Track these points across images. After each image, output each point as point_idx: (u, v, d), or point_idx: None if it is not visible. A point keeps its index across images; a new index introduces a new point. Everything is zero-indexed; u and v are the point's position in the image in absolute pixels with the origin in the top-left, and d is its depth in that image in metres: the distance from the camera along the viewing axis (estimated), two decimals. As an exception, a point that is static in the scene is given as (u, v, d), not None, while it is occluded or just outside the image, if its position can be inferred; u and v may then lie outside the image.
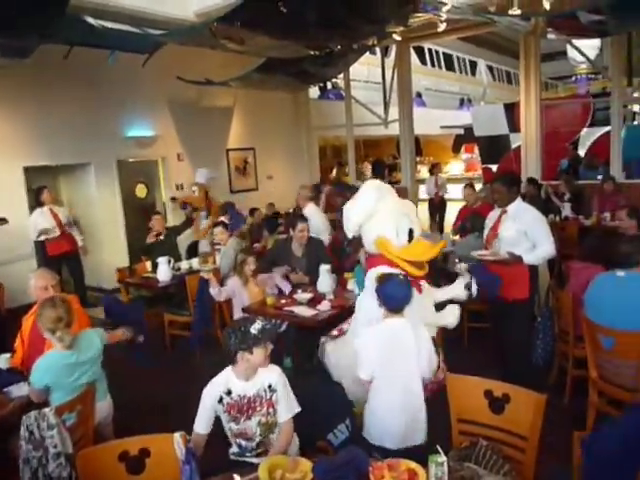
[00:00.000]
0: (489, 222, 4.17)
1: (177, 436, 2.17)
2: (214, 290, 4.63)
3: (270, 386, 2.47)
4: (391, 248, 3.11)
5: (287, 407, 2.49)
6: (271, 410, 2.48)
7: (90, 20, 5.43)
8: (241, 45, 6.02)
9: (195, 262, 6.15)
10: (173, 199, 8.95)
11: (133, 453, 2.23)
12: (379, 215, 3.18)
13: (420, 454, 2.22)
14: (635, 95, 9.79)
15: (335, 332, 3.54)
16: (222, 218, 7.01)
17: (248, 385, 2.47)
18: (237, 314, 4.68)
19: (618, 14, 6.12)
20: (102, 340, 3.22)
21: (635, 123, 13.89)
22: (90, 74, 7.47)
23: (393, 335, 2.66)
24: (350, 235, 3.40)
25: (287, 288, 4.81)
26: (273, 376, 2.50)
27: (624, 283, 3.27)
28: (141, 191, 8.82)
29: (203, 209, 8.32)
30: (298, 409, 2.50)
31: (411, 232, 3.18)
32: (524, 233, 3.82)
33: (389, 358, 2.62)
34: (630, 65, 11.05)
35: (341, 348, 3.31)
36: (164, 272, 5.70)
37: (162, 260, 5.73)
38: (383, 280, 2.75)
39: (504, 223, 3.94)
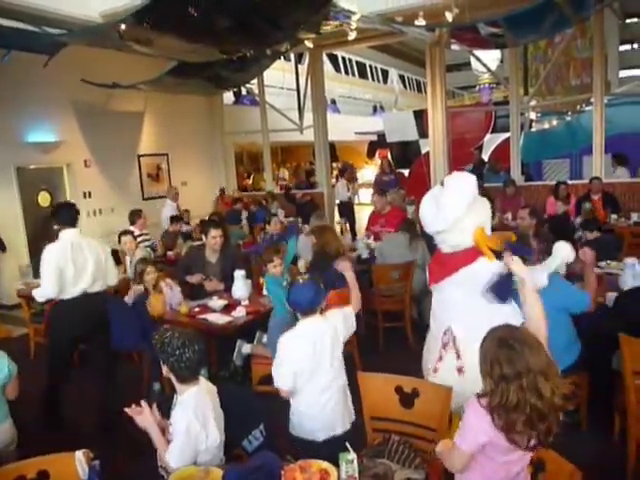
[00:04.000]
0: None
1: (79, 454, 2.06)
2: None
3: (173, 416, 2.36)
4: (486, 237, 2.88)
5: (168, 451, 2.24)
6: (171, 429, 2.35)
7: (-19, 17, 5.09)
8: (149, 47, 5.85)
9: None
10: None
11: (30, 476, 2.08)
12: (477, 204, 2.95)
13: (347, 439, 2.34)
14: (531, 104, 10.48)
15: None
16: (132, 227, 6.73)
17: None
18: None
19: (513, 28, 6.56)
20: (10, 369, 2.97)
21: (532, 130, 14.93)
22: (-16, 74, 6.97)
23: (312, 334, 2.64)
24: (440, 228, 2.98)
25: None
26: (176, 412, 2.33)
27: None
28: (44, 200, 8.32)
29: None
30: (171, 464, 2.20)
31: None
32: None
33: (311, 356, 2.61)
34: (526, 75, 11.85)
35: None
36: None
37: (68, 271, 5.42)
38: (290, 287, 2.76)
39: None
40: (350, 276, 3.03)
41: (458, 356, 2.88)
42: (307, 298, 2.64)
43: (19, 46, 5.94)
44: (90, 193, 8.84)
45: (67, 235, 3.81)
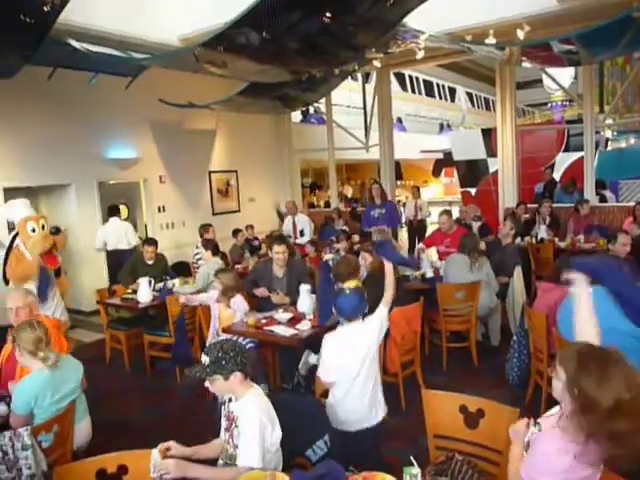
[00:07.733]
0: None
1: (155, 451, 2.17)
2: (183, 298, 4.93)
3: (236, 419, 2.34)
4: None
5: (242, 453, 2.24)
6: (231, 441, 2.35)
7: (74, 43, 5.50)
8: (223, 69, 6.11)
9: (177, 283, 6.14)
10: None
11: (111, 470, 2.22)
12: None
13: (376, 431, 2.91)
14: (607, 122, 10.08)
15: None
16: (206, 236, 7.02)
17: (232, 404, 2.40)
18: (211, 334, 4.62)
19: (588, 45, 6.37)
20: (81, 371, 3.16)
21: (608, 149, 14.33)
22: (72, 95, 7.52)
23: (351, 338, 2.99)
24: None
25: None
26: (242, 411, 2.31)
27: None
28: (122, 212, 8.80)
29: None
30: (253, 464, 2.18)
31: None
32: None
33: (350, 357, 2.95)
34: (602, 93, 11.42)
35: None
36: (144, 293, 5.67)
37: (143, 281, 5.71)
38: (337, 296, 3.08)
39: None
40: (389, 269, 3.32)
41: None
42: (351, 307, 2.99)
43: (106, 70, 6.39)
44: (164, 207, 9.27)
45: None
